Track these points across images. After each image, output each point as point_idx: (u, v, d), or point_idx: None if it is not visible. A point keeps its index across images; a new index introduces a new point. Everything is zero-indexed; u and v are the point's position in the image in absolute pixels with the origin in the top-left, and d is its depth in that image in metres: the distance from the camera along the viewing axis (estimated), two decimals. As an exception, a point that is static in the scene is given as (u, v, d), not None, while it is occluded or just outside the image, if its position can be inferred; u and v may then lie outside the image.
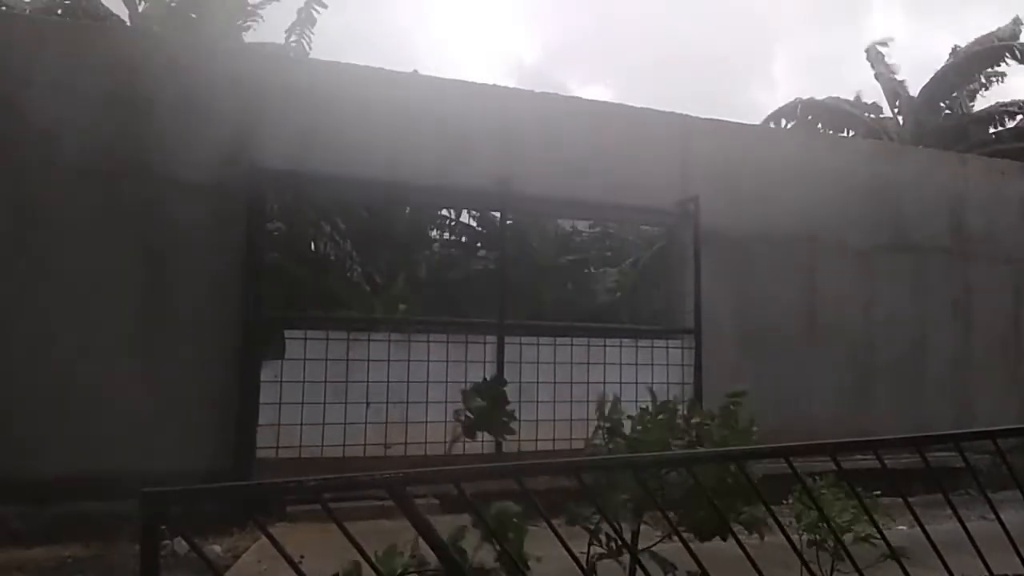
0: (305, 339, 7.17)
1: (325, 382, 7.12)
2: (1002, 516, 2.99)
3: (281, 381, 6.98)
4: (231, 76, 7.10)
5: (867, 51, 18.76)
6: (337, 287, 12.55)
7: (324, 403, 7.09)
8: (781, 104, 19.13)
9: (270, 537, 2.08)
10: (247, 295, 6.85)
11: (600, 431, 3.14)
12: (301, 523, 5.85)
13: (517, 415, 2.91)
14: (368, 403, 7.25)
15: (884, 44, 18.72)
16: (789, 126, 18.68)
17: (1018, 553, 3.02)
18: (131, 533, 5.61)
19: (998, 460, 3.02)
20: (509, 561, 2.33)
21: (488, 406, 2.85)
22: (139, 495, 1.87)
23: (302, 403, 7.01)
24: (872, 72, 18.63)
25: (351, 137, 7.30)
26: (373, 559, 2.15)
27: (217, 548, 5.68)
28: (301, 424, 6.98)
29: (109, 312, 6.55)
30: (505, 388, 2.89)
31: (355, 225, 13.42)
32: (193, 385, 6.69)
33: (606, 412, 3.03)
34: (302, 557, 4.03)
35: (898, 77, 18.51)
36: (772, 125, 18.65)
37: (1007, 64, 17.10)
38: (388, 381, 7.33)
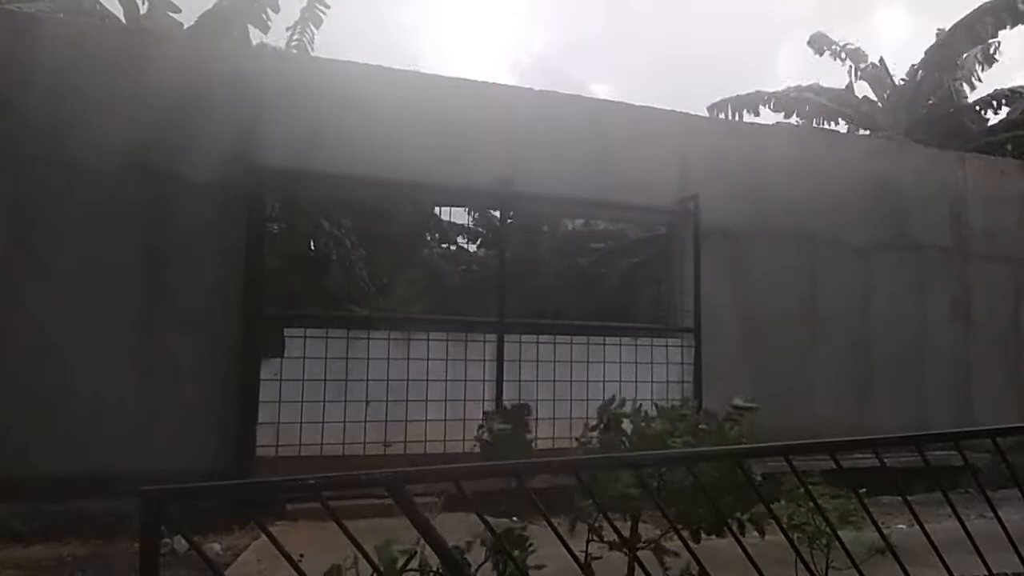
0: (305, 337, 7.17)
1: (325, 380, 7.12)
2: (1001, 515, 2.99)
3: (281, 379, 6.98)
4: (233, 75, 7.09)
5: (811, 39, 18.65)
6: (337, 286, 12.56)
7: (324, 401, 7.09)
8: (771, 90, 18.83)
9: (269, 535, 2.08)
10: (247, 293, 6.85)
11: (590, 430, 3.16)
12: (301, 521, 5.86)
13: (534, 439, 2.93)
14: (368, 401, 7.25)
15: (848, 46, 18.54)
16: (779, 116, 18.50)
17: (1017, 552, 3.03)
18: (130, 531, 5.62)
19: (997, 459, 3.02)
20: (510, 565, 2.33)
21: (510, 430, 2.87)
22: (138, 494, 1.87)
23: (302, 401, 7.01)
24: (852, 66, 18.55)
25: (352, 135, 7.30)
26: (372, 557, 2.16)
27: (217, 546, 5.68)
28: (301, 422, 6.98)
29: (109, 311, 6.55)
30: (529, 415, 2.92)
31: (356, 224, 13.42)
32: (193, 383, 6.69)
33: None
34: (302, 555, 4.03)
35: (884, 66, 18.39)
36: (766, 109, 18.43)
37: (998, 35, 16.28)
38: (388, 380, 7.32)
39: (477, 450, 3.16)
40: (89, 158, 6.60)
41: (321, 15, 13.63)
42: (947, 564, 2.93)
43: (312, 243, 12.83)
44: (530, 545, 2.45)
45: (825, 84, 18.82)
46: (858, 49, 18.51)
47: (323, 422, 7.06)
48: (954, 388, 9.71)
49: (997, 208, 10.30)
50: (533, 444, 2.92)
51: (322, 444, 7.01)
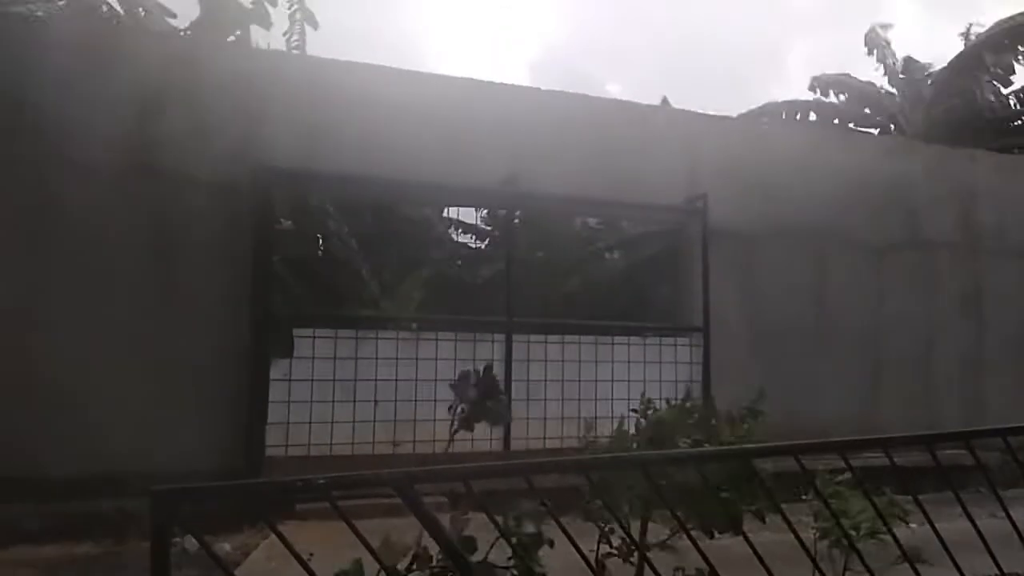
0: (314, 337, 7.20)
1: (334, 380, 7.14)
2: (1012, 514, 2.97)
3: (290, 380, 7.01)
4: (237, 73, 7.13)
5: (867, 36, 18.51)
6: (345, 286, 12.58)
7: (333, 401, 7.11)
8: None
9: (279, 535, 2.09)
10: (256, 293, 6.88)
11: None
12: (311, 521, 5.85)
13: (511, 402, 2.93)
14: (376, 401, 7.27)
15: (885, 27, 18.44)
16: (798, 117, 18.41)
17: (1029, 551, 3.01)
18: (142, 531, 5.65)
19: (1008, 458, 3.00)
20: (523, 565, 2.33)
21: (481, 396, 2.86)
22: (150, 493, 1.88)
23: (311, 401, 7.04)
24: (875, 59, 18.43)
25: (358, 135, 7.32)
26: (380, 556, 2.16)
27: (227, 546, 5.70)
28: (310, 422, 7.01)
29: (119, 311, 6.59)
30: (495, 374, 2.90)
31: (362, 224, 13.44)
32: (203, 384, 6.73)
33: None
34: (311, 555, 4.04)
35: (901, 64, 18.27)
36: (783, 116, 18.36)
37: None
38: (396, 379, 7.34)
39: (487, 450, 3.16)
40: (97, 158, 6.64)
41: (314, 14, 13.60)
42: (958, 564, 2.91)
43: (320, 244, 12.86)
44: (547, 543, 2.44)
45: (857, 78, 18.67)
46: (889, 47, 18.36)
47: (332, 422, 7.08)
48: (965, 386, 9.65)
49: (1008, 205, 10.24)
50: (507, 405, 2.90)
51: (331, 444, 7.04)
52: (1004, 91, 17.27)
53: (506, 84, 8.30)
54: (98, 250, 6.60)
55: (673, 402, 3.10)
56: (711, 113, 9.16)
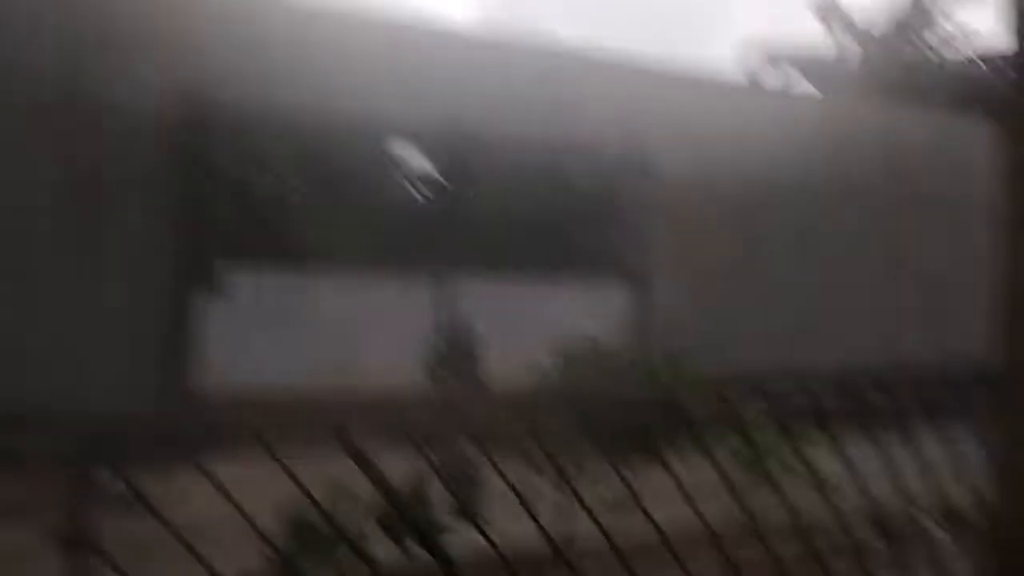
0: (245, 275, 7.02)
1: (268, 320, 7.01)
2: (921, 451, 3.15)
3: (221, 318, 6.85)
4: (180, 5, 6.75)
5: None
6: (285, 224, 12.26)
7: (267, 342, 6.99)
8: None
9: (207, 474, 2.05)
10: (183, 228, 6.65)
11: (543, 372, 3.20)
12: (243, 462, 5.82)
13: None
14: (314, 341, 7.18)
15: None
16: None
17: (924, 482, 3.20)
18: (62, 470, 5.51)
19: (918, 398, 3.16)
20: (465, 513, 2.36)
21: (456, 356, 2.87)
22: (68, 430, 1.82)
23: (245, 341, 6.90)
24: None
25: (298, 72, 7.08)
26: (319, 500, 2.15)
27: (155, 487, 5.63)
28: (244, 363, 6.88)
29: (38, 244, 6.29)
30: (473, 337, 2.91)
31: (303, 162, 13.05)
32: (128, 321, 6.53)
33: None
34: (244, 495, 4.02)
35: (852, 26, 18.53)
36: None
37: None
38: (335, 319, 7.25)
39: (427, 391, 3.17)
40: (13, 88, 6.24)
41: None
42: (866, 494, 3.08)
43: (257, 179, 12.45)
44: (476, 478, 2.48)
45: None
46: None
47: (266, 362, 6.97)
48: (881, 328, 10.08)
49: (933, 160, 10.57)
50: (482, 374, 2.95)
51: (267, 385, 6.94)
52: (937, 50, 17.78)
53: (451, 29, 8.14)
54: (15, 180, 6.25)
55: (598, 345, 3.14)
56: (659, 67, 9.14)
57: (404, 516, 2.24)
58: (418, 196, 16.42)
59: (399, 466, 2.57)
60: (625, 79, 8.73)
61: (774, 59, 18.64)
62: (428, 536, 2.25)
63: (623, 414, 2.77)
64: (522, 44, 8.40)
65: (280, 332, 7.06)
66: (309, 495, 2.09)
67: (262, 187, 12.14)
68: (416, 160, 16.48)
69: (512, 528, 2.60)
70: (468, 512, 2.39)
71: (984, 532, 2.69)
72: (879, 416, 3.44)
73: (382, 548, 2.51)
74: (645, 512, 2.67)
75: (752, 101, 9.59)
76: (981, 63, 17.24)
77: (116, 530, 4.80)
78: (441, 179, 14.99)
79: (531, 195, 15.99)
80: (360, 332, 7.34)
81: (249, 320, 6.97)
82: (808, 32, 19.32)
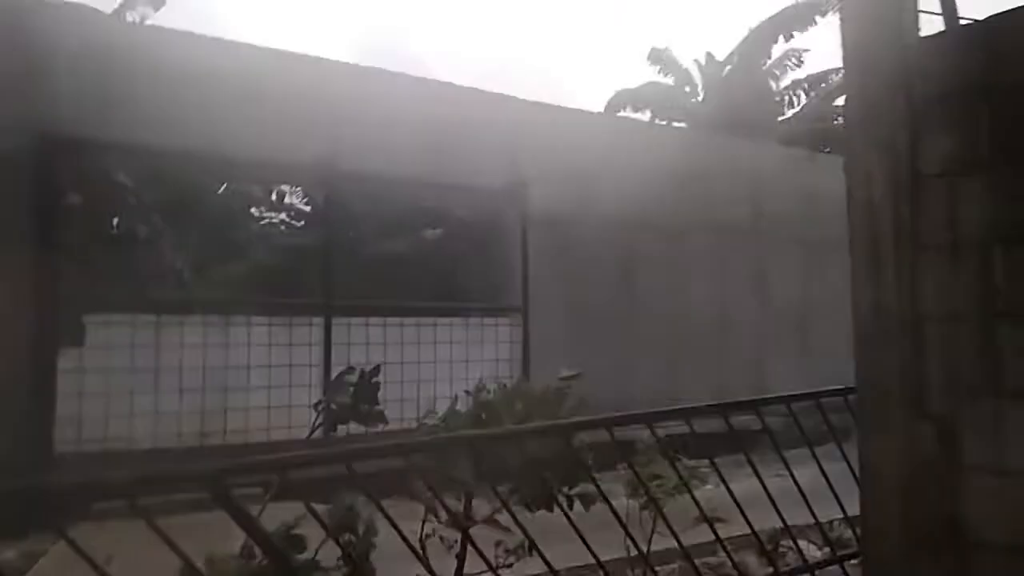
0: (109, 323, 6.59)
1: (133, 369, 6.59)
2: (794, 472, 3.33)
3: (83, 370, 6.38)
4: (25, 36, 6.31)
5: (650, 54, 19.85)
6: (145, 266, 11.61)
7: (132, 393, 6.56)
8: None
9: (67, 538, 1.91)
10: (39, 275, 6.17)
11: (430, 415, 3.16)
12: (110, 521, 5.39)
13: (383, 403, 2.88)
14: (183, 390, 6.80)
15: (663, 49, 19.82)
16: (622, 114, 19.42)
17: (808, 505, 3.38)
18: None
19: (791, 422, 3.35)
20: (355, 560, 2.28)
21: (357, 398, 2.78)
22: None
23: (107, 393, 6.45)
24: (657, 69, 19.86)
25: (162, 106, 6.74)
26: (190, 556, 2.02)
27: (10, 553, 5.14)
28: (107, 416, 6.42)
29: None
30: (378, 379, 2.84)
31: (169, 201, 12.45)
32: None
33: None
34: (110, 557, 3.72)
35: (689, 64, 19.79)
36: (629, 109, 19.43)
37: (807, 30, 18.00)
38: (205, 367, 6.90)
39: (304, 438, 3.06)
40: None
41: None
42: (748, 520, 3.22)
43: (117, 221, 11.77)
44: (368, 530, 2.40)
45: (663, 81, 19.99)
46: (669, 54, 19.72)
47: (132, 414, 6.54)
48: (754, 360, 10.63)
49: (791, 194, 11.34)
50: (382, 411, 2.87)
51: (131, 438, 6.50)
52: (781, 83, 19.29)
53: (325, 59, 8.00)
54: None
55: (499, 383, 3.15)
56: (533, 100, 9.35)
57: (285, 568, 2.14)
58: (295, 234, 16.02)
59: (283, 517, 2.46)
60: (505, 114, 8.88)
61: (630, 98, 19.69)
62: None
63: (517, 452, 2.77)
64: (400, 76, 8.40)
65: (156, 382, 6.65)
66: (180, 553, 1.96)
67: (128, 230, 11.51)
68: (293, 197, 16.13)
69: (407, 572, 2.53)
70: (357, 562, 2.31)
71: (860, 552, 2.85)
72: (753, 440, 3.61)
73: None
74: (539, 552, 2.67)
75: (626, 136, 9.97)
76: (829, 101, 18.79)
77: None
78: (319, 217, 14.70)
79: (417, 233, 15.96)
80: (235, 379, 7.02)
81: (119, 372, 6.52)
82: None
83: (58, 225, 6.59)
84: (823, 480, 3.38)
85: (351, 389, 2.75)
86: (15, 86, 6.24)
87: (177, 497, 4.30)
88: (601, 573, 2.75)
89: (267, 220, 16.20)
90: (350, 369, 2.81)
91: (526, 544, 2.74)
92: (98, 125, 6.46)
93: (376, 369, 2.79)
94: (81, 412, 6.33)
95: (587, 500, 2.77)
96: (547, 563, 2.63)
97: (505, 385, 3.08)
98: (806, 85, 19.32)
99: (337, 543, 2.32)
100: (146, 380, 6.65)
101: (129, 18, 12.01)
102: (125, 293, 10.08)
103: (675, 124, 19.44)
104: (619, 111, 19.60)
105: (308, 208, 15.87)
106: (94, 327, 6.54)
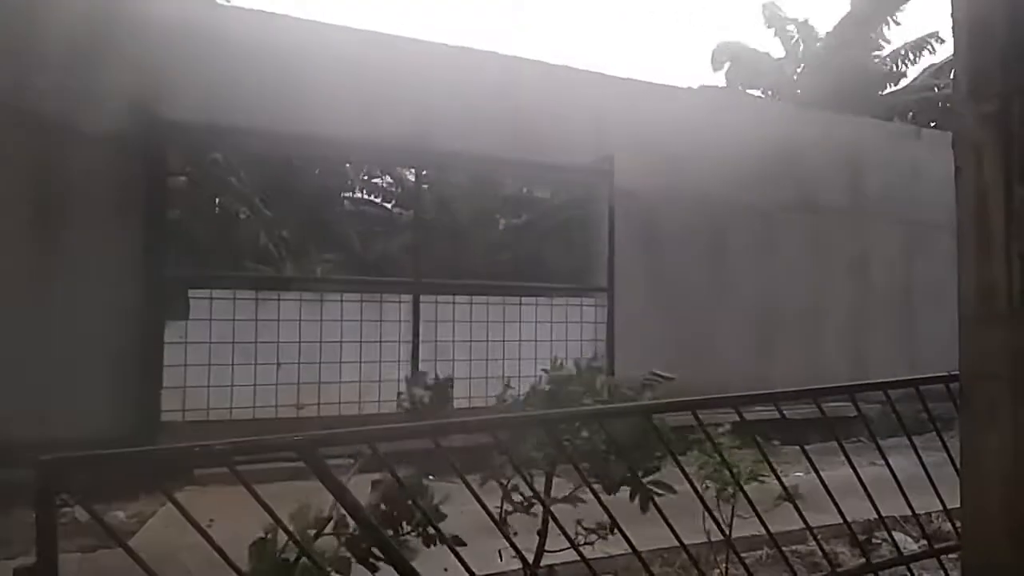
0: (211, 298, 6.93)
1: (233, 343, 6.92)
2: (890, 461, 3.20)
3: (186, 342, 6.75)
4: (135, 20, 6.65)
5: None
6: (246, 245, 12.15)
7: (232, 364, 6.90)
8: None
9: (174, 501, 2.02)
10: (149, 252, 6.54)
11: (508, 389, 3.20)
12: (211, 486, 5.72)
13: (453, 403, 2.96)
14: (279, 364, 7.11)
15: None
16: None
17: (904, 496, 3.25)
18: (29, 501, 5.36)
19: (888, 409, 3.21)
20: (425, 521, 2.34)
21: (432, 401, 2.88)
22: (35, 463, 1.79)
23: (209, 365, 6.81)
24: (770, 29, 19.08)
25: (263, 88, 7.00)
26: (285, 521, 2.12)
27: (121, 514, 5.50)
28: (208, 386, 6.78)
29: (1, 270, 6.14)
30: (451, 388, 2.93)
31: (266, 181, 12.96)
32: (93, 347, 6.38)
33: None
34: (211, 521, 3.95)
35: (795, 29, 18.92)
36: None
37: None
38: (300, 341, 7.18)
39: (394, 411, 3.15)
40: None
41: None
42: (841, 509, 3.12)
43: (219, 200, 12.34)
44: (443, 500, 2.45)
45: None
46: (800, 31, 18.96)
47: (232, 385, 6.88)
48: (850, 343, 10.23)
49: (891, 171, 10.80)
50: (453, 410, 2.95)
51: (231, 408, 6.85)
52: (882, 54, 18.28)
53: (414, 39, 8.08)
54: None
55: (580, 362, 3.15)
56: (623, 76, 9.20)
57: (371, 536, 2.21)
58: (386, 214, 16.40)
59: (367, 487, 2.55)
60: (591, 89, 8.77)
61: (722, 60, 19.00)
62: (396, 557, 2.23)
63: (592, 430, 2.77)
64: (486, 54, 8.40)
65: (243, 355, 6.97)
66: (273, 514, 2.06)
67: (230, 210, 12.06)
68: (386, 178, 16.48)
69: (484, 547, 2.58)
70: (439, 532, 2.37)
71: (959, 545, 2.72)
72: (847, 427, 3.49)
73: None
74: (621, 531, 2.68)
75: (716, 109, 9.68)
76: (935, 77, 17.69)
77: (85, 561, 4.67)
78: (408, 197, 14.97)
79: (504, 212, 16.07)
80: (328, 354, 7.28)
81: (220, 345, 6.87)
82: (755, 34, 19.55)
83: (166, 204, 6.96)
84: (921, 470, 3.24)
85: (426, 391, 2.85)
86: (129, 70, 6.59)
87: (276, 466, 4.53)
88: (682, 555, 2.73)
89: (360, 199, 16.60)
90: (423, 373, 2.92)
91: (608, 524, 2.75)
92: (204, 108, 6.76)
93: (450, 380, 2.89)
94: (185, 383, 6.70)
95: (663, 487, 2.74)
96: (629, 543, 2.63)
97: (579, 366, 3.07)
98: (904, 52, 18.25)
99: (420, 511, 2.38)
100: (245, 353, 6.97)
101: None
102: (226, 270, 10.62)
103: (770, 95, 18.75)
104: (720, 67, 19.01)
105: (399, 188, 16.20)
106: (197, 302, 6.89)
